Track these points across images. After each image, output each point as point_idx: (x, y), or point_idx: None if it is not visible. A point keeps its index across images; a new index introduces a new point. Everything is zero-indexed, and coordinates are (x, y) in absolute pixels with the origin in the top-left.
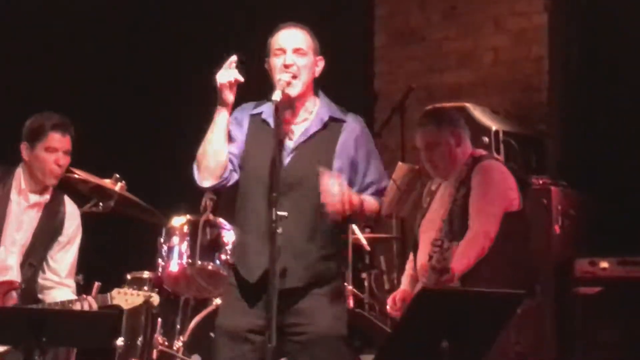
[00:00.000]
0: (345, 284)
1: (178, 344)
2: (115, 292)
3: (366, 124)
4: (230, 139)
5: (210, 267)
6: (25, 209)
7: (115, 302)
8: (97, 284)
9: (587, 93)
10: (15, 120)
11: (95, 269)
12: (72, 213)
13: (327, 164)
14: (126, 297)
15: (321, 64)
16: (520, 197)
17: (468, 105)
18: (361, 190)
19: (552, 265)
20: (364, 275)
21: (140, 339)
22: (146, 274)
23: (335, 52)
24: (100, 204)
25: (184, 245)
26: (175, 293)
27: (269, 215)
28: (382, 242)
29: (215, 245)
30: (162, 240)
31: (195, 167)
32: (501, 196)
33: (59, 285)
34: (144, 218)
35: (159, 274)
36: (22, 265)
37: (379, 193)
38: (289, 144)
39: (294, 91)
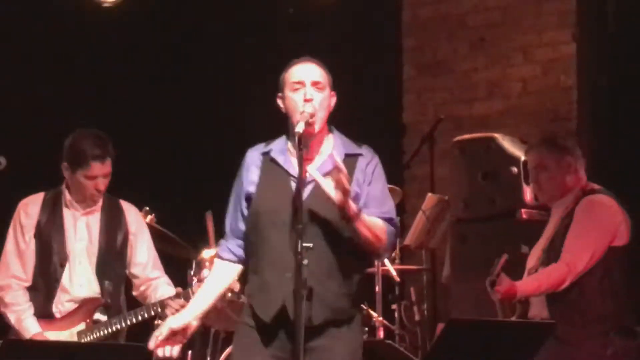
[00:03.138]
0: (376, 315)
1: None
2: (195, 287)
3: (395, 156)
4: (235, 221)
5: (241, 300)
6: (80, 218)
7: None
8: None
9: (615, 122)
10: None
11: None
12: (129, 208)
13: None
14: None
15: (334, 99)
16: (628, 232)
17: (497, 135)
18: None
19: None
20: (394, 306)
21: None
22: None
23: (364, 84)
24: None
25: None
26: (206, 325)
27: (285, 251)
28: (412, 273)
29: (245, 278)
30: (192, 272)
31: None
32: (602, 231)
33: (149, 281)
34: (174, 251)
35: None
36: (101, 280)
37: (385, 219)
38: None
39: (315, 128)
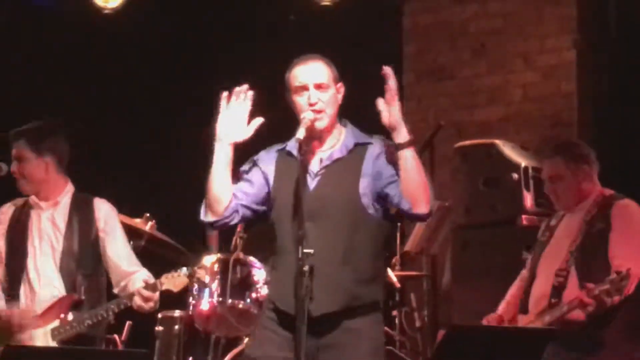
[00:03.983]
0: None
1: None
2: (163, 278)
3: None
4: (243, 178)
5: (240, 306)
6: (42, 215)
7: (165, 287)
8: (128, 323)
9: (616, 128)
10: None
11: (126, 308)
12: (100, 205)
13: (352, 185)
14: (174, 281)
15: (342, 89)
16: None
17: (498, 142)
18: (397, 181)
19: None
20: (394, 312)
21: None
22: (177, 313)
23: (364, 90)
24: (131, 243)
25: (215, 284)
26: (206, 332)
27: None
28: (413, 279)
29: (245, 284)
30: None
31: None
32: None
33: (128, 275)
34: (174, 257)
35: (190, 312)
36: (67, 277)
37: None
38: (314, 168)
39: (322, 124)
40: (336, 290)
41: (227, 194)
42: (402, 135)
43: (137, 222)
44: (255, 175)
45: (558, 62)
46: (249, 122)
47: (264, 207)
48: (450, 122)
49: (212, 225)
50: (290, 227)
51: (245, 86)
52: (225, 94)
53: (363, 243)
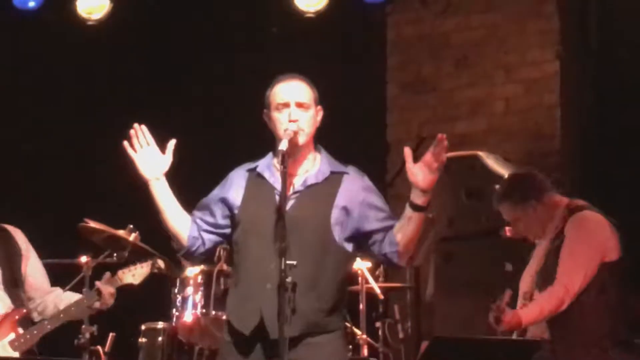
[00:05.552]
0: (360, 332)
1: None
2: (120, 273)
3: (379, 174)
4: (204, 205)
5: (224, 317)
6: None
7: (125, 282)
8: (111, 335)
9: (599, 140)
10: None
11: (109, 320)
12: (14, 229)
13: (325, 214)
14: (132, 273)
15: (321, 113)
16: (619, 246)
17: (481, 153)
18: (384, 228)
19: None
20: (378, 324)
21: None
22: (160, 325)
23: (347, 102)
24: (115, 254)
25: (198, 296)
26: (190, 343)
27: (265, 263)
28: (396, 291)
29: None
30: (176, 290)
31: None
32: (595, 248)
33: (49, 294)
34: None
35: (174, 324)
36: (12, 291)
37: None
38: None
39: (301, 140)
40: (298, 317)
41: (182, 225)
42: (421, 199)
43: (120, 232)
44: (217, 204)
45: (540, 74)
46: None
47: (228, 230)
48: (432, 134)
49: (183, 257)
50: (255, 247)
51: (136, 125)
52: (125, 143)
53: (329, 271)
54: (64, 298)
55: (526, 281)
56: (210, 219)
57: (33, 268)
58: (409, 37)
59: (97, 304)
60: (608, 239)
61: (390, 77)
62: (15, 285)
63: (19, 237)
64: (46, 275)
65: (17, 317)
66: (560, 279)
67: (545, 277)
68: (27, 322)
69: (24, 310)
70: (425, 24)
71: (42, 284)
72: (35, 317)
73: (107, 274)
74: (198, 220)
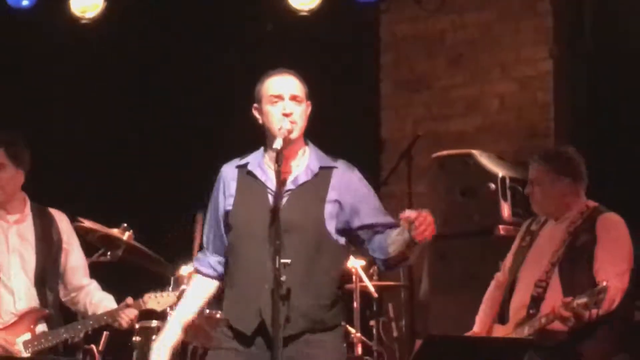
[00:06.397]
0: (354, 331)
1: None
2: (146, 297)
3: (373, 172)
4: (216, 240)
5: (218, 316)
6: (10, 228)
7: (148, 306)
8: (105, 334)
9: (593, 138)
10: None
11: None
12: (60, 216)
13: (317, 210)
14: (158, 300)
15: (309, 109)
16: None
17: (475, 152)
18: (374, 225)
19: None
20: (372, 322)
21: None
22: (154, 323)
23: (342, 100)
24: (109, 253)
25: None
26: (183, 341)
27: (262, 263)
28: (390, 289)
29: (223, 294)
30: (170, 289)
31: None
32: (630, 253)
33: (81, 287)
34: (152, 267)
35: None
36: (41, 290)
37: (394, 226)
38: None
39: (295, 135)
40: (298, 315)
41: (209, 292)
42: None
43: (114, 231)
44: (219, 227)
45: (535, 72)
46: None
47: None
48: (427, 132)
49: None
50: (250, 248)
51: None
52: None
53: (325, 268)
54: (94, 301)
55: (536, 268)
56: (221, 251)
57: (73, 261)
58: (404, 35)
59: (116, 324)
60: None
61: (385, 75)
62: (47, 282)
63: (63, 225)
64: (86, 267)
65: (37, 317)
66: (608, 276)
67: (570, 271)
68: (51, 320)
69: (46, 312)
70: (420, 22)
71: (79, 281)
72: (69, 306)
73: (129, 300)
74: (213, 262)
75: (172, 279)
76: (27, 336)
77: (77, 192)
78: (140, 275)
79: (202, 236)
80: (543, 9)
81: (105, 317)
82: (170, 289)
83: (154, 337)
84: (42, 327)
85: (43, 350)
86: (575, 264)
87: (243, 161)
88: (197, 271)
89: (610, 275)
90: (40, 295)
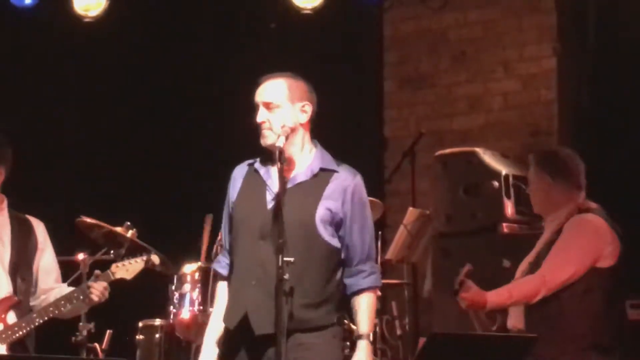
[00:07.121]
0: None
1: None
2: (113, 267)
3: (376, 170)
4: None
5: None
6: None
7: (117, 276)
8: (109, 332)
9: (597, 136)
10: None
11: (107, 317)
12: (37, 223)
13: (310, 211)
14: (126, 268)
15: (308, 108)
16: (617, 254)
17: (478, 150)
18: (350, 257)
19: None
20: (375, 320)
21: None
22: (158, 322)
23: (346, 98)
24: (112, 251)
25: (196, 293)
26: (187, 340)
27: (252, 260)
28: (394, 287)
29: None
30: (173, 287)
31: None
32: (587, 251)
33: (50, 290)
34: (155, 266)
35: (171, 321)
36: (14, 280)
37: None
38: (276, 189)
39: (265, 142)
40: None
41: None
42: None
43: (118, 230)
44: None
45: (538, 70)
46: None
47: None
48: (430, 130)
49: None
50: (244, 243)
51: None
52: None
53: (315, 267)
54: (63, 292)
55: (520, 270)
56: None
57: (46, 263)
58: (407, 33)
59: (87, 300)
60: (605, 245)
61: (388, 73)
62: (21, 274)
63: (40, 230)
64: (58, 271)
65: (7, 305)
66: (542, 270)
67: (535, 269)
68: (21, 311)
69: (16, 299)
70: (423, 19)
71: (50, 284)
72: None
73: (97, 272)
74: (229, 262)
75: (175, 277)
76: (0, 327)
77: (80, 190)
78: (142, 274)
79: (209, 238)
80: (546, 6)
81: (75, 294)
82: (173, 287)
83: (156, 335)
84: (12, 317)
85: (19, 339)
86: (540, 262)
87: (253, 160)
88: (216, 273)
89: (549, 269)
90: (13, 283)
